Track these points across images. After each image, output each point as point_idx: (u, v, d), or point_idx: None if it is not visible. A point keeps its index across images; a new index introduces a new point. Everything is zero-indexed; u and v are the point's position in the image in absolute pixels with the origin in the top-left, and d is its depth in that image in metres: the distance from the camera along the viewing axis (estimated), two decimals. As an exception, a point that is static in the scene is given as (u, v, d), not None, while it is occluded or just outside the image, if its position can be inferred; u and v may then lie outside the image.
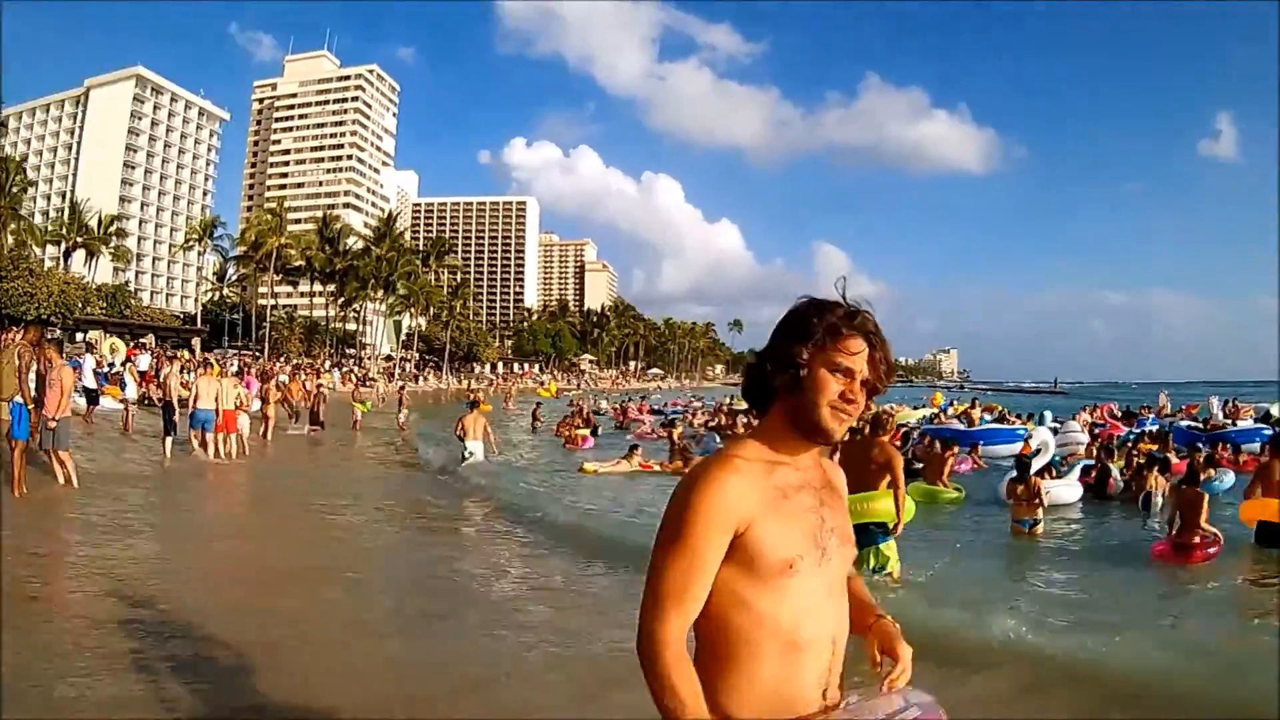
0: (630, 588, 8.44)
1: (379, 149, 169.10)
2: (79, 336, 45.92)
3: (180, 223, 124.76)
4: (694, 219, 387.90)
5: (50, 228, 76.27)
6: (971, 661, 5.86)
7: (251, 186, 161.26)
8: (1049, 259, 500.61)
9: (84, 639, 5.86)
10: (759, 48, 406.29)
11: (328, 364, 71.16)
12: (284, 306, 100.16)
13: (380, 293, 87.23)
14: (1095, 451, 17.92)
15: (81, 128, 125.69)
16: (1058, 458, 17.28)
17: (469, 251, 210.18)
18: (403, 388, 46.67)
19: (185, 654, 5.72)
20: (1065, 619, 7.17)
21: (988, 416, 27.18)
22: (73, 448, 12.57)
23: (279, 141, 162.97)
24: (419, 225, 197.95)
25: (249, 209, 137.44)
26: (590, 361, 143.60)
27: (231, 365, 39.67)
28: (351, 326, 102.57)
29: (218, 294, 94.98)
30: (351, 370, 69.82)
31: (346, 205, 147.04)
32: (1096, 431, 23.44)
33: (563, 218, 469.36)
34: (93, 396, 20.95)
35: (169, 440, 16.89)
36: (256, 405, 23.23)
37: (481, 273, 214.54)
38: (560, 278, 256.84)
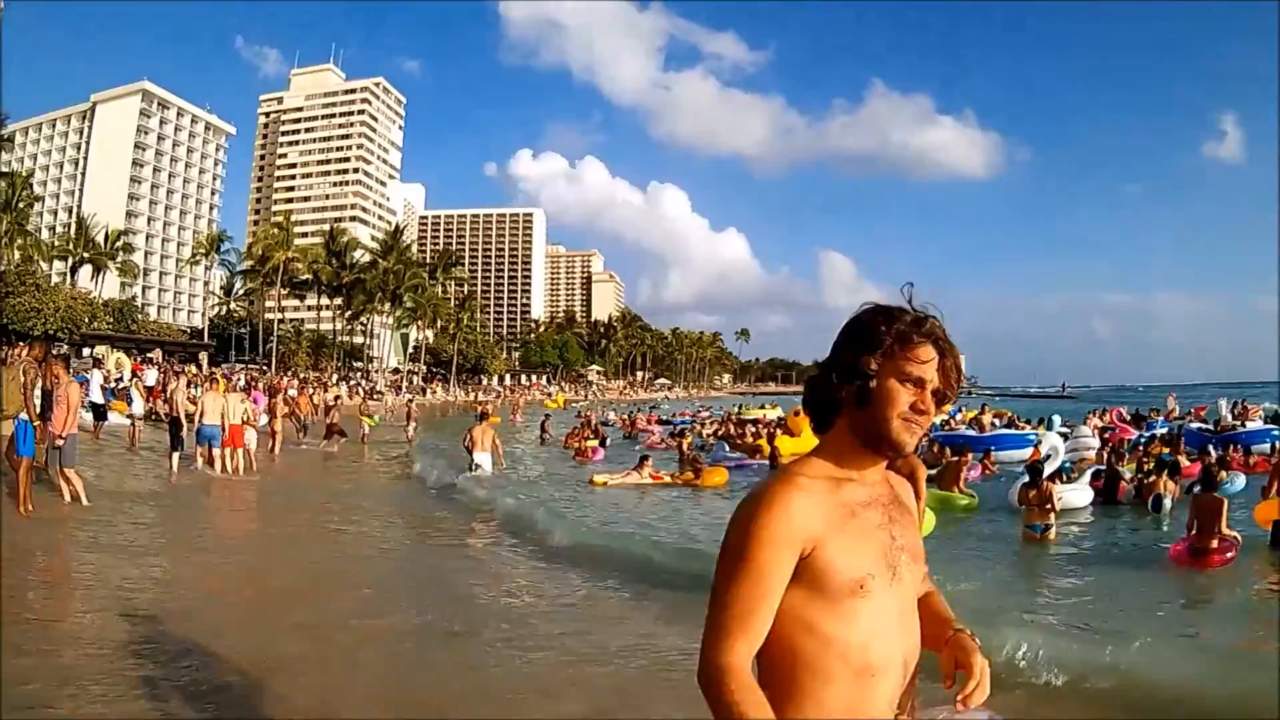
0: (643, 601, 8.39)
1: (385, 162, 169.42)
2: (86, 352, 46.04)
3: (187, 237, 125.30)
4: (700, 228, 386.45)
5: (57, 243, 76.34)
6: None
7: (258, 200, 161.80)
8: (1052, 261, 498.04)
9: (93, 660, 5.81)
10: (763, 56, 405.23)
11: (335, 377, 71.22)
12: (291, 320, 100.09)
13: (387, 305, 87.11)
14: (1106, 456, 17.86)
15: (88, 143, 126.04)
16: (1069, 463, 17.24)
17: (476, 263, 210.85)
18: (411, 400, 46.55)
19: (197, 675, 5.67)
20: (1081, 626, 7.09)
21: (998, 422, 27.14)
22: (79, 464, 12.53)
23: (285, 155, 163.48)
24: (426, 238, 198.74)
25: (255, 223, 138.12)
26: (597, 372, 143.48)
27: (239, 380, 39.70)
28: (359, 340, 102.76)
29: (225, 308, 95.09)
30: (358, 384, 69.81)
31: (353, 218, 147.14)
32: (1107, 436, 23.40)
33: (569, 229, 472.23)
34: (101, 412, 20.92)
35: (175, 456, 16.90)
36: (264, 420, 23.19)
37: (489, 285, 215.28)
38: (567, 289, 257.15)
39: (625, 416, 44.46)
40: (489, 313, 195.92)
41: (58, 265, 76.20)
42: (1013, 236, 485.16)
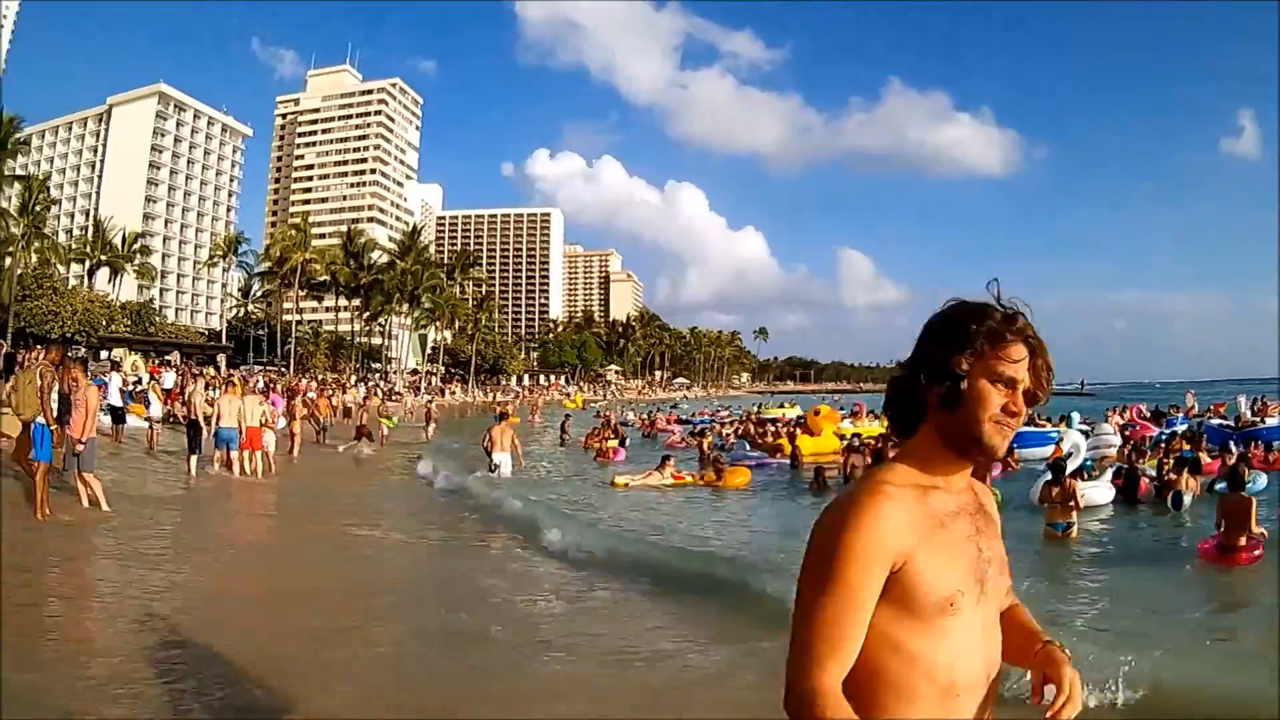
0: (659, 602, 8.34)
1: (402, 162, 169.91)
2: (103, 354, 46.28)
3: (204, 239, 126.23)
4: (718, 227, 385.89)
5: (74, 246, 76.59)
6: (1006, 678, 5.65)
7: (275, 202, 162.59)
8: (1067, 258, 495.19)
9: (115, 667, 5.79)
10: (780, 54, 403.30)
11: (353, 379, 71.42)
12: (309, 322, 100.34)
13: (405, 306, 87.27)
14: (1127, 453, 17.74)
15: (105, 145, 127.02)
16: (1090, 460, 17.10)
17: (494, 264, 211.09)
18: (430, 402, 46.66)
19: (215, 679, 5.65)
20: (1108, 630, 6.98)
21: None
22: (98, 468, 12.52)
23: (302, 157, 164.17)
24: (443, 238, 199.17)
25: (273, 224, 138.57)
26: (616, 372, 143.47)
27: (257, 381, 39.82)
28: (377, 341, 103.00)
29: (243, 310, 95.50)
30: (377, 385, 69.98)
31: (371, 219, 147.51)
32: (1128, 433, 23.26)
33: (587, 228, 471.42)
34: (119, 415, 20.98)
35: (194, 459, 16.94)
36: (283, 423, 23.24)
37: (506, 285, 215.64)
38: (585, 288, 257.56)
39: (644, 416, 44.49)
40: (507, 313, 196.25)
41: (75, 268, 76.62)
42: (1029, 233, 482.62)
